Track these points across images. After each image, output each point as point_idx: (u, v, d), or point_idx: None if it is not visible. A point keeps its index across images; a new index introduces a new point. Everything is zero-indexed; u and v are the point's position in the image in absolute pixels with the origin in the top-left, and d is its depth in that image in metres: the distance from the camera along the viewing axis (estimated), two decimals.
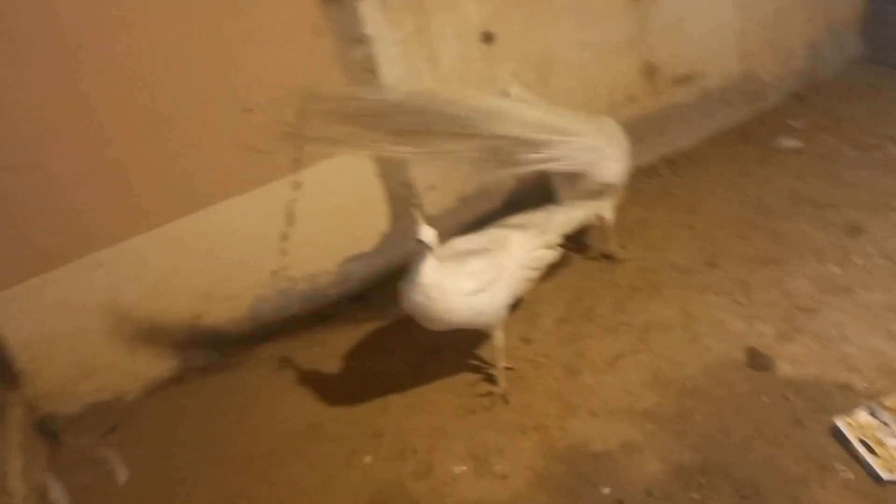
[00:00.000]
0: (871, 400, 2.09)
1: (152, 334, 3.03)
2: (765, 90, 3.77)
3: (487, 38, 3.14)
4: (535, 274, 2.59)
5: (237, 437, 2.74)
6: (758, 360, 2.33)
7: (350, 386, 2.80)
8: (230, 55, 2.76)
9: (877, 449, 1.96)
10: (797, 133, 3.53)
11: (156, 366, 3.08)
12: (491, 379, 2.59)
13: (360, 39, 2.91)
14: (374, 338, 3.05)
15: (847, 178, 3.08)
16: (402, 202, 3.28)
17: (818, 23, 3.75)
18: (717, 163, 3.52)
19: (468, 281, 2.31)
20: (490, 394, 2.54)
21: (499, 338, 2.52)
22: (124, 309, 2.94)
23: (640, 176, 3.63)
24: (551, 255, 2.64)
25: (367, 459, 2.43)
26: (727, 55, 3.52)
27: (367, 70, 2.96)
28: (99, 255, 2.82)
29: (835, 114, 3.60)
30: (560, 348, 2.66)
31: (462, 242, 2.49)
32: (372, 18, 2.89)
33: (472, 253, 2.41)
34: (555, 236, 2.62)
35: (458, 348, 2.81)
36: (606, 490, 2.07)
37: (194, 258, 2.97)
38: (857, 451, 1.96)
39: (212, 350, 3.15)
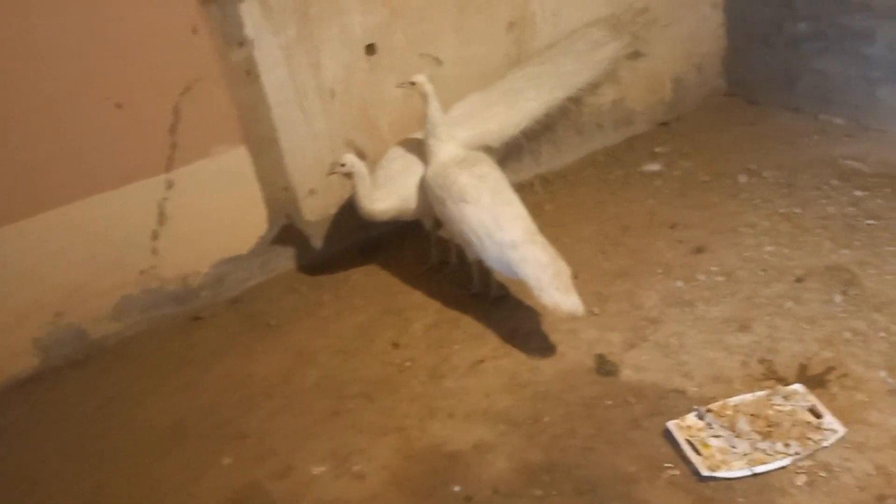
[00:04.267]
0: (701, 404, 2.28)
1: (9, 330, 2.91)
2: (634, 118, 4.04)
3: (371, 49, 3.23)
4: None
5: (98, 435, 2.68)
6: (605, 367, 2.49)
7: (217, 388, 2.79)
8: (103, 47, 2.72)
9: (701, 449, 2.14)
10: (660, 158, 3.79)
11: (14, 363, 2.97)
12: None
13: (241, 41, 2.93)
14: (245, 340, 3.04)
15: (699, 202, 3.34)
16: (281, 206, 3.29)
17: (683, 58, 4.06)
18: (587, 183, 3.73)
19: None
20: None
21: None
22: None
23: (517, 191, 3.79)
24: None
25: (227, 461, 2.43)
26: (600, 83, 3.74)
27: (248, 72, 2.98)
28: None
29: (694, 142, 3.89)
30: (427, 353, 2.75)
31: None
32: (252, 21, 2.92)
33: None
34: None
35: (333, 352, 2.86)
36: (457, 488, 2.17)
37: (57, 254, 2.89)
38: (684, 450, 2.13)
39: (74, 348, 3.06)
